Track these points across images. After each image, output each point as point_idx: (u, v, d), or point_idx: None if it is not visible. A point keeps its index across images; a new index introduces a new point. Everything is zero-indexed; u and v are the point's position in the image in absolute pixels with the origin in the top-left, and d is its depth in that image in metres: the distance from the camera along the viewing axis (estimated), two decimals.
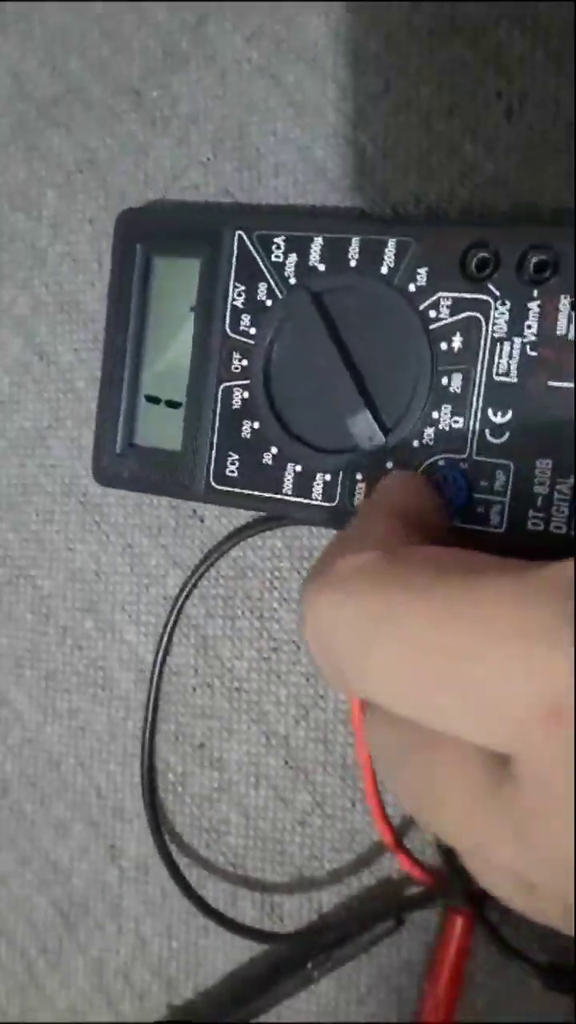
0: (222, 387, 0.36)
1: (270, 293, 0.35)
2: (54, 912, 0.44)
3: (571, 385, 0.31)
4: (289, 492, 0.35)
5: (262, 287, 0.35)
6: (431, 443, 0.33)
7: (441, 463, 0.33)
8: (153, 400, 0.38)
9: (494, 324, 0.32)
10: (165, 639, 0.40)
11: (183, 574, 0.40)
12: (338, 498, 0.34)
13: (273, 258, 0.35)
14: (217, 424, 0.36)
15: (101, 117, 0.42)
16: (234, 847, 0.40)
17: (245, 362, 0.35)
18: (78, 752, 0.44)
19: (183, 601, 0.39)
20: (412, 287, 0.33)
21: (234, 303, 0.35)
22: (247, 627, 0.40)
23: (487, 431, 0.32)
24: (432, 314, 0.33)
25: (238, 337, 0.35)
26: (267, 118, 0.38)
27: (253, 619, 0.39)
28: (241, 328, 0.35)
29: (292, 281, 0.35)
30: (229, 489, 0.36)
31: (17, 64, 0.44)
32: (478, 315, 0.32)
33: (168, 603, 0.41)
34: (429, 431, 0.33)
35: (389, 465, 0.33)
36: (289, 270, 0.35)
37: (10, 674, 0.45)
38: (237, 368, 0.35)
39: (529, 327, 0.32)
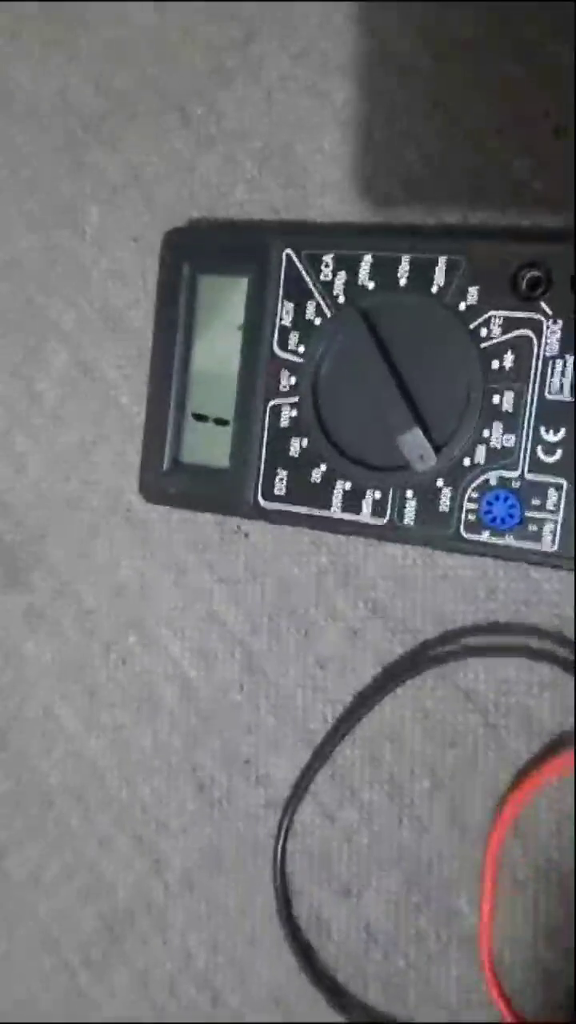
0: (270, 405, 0.36)
1: (319, 311, 0.35)
2: (99, 924, 0.44)
3: None
4: (338, 509, 0.35)
5: (311, 305, 0.35)
6: (482, 461, 0.33)
7: (492, 481, 0.32)
8: (200, 418, 0.38)
9: (546, 343, 0.32)
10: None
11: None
12: (388, 515, 0.34)
13: (322, 277, 0.35)
14: (265, 441, 0.36)
15: (147, 134, 0.42)
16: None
17: (294, 380, 0.35)
18: (123, 766, 0.44)
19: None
20: (463, 306, 0.33)
21: (282, 322, 0.36)
22: (293, 644, 0.39)
23: (539, 449, 0.32)
24: (483, 332, 0.33)
25: (286, 355, 0.36)
26: (314, 136, 0.38)
27: (299, 636, 0.39)
28: (290, 346, 0.35)
29: (341, 300, 0.35)
30: (277, 506, 0.36)
31: (64, 81, 0.44)
32: (530, 333, 0.32)
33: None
34: (480, 449, 0.33)
35: (439, 483, 0.33)
36: (338, 288, 0.35)
37: (55, 688, 0.45)
38: (285, 386, 0.36)
39: None
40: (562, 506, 0.32)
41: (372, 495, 0.35)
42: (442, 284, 0.33)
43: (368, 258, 0.34)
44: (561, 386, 0.32)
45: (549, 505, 0.32)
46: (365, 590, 0.38)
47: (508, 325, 0.33)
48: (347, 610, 0.39)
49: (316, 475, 0.35)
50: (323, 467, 0.35)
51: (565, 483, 0.32)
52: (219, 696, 0.41)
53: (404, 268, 0.34)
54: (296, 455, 0.36)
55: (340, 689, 0.39)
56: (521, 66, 0.35)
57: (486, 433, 0.33)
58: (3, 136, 0.45)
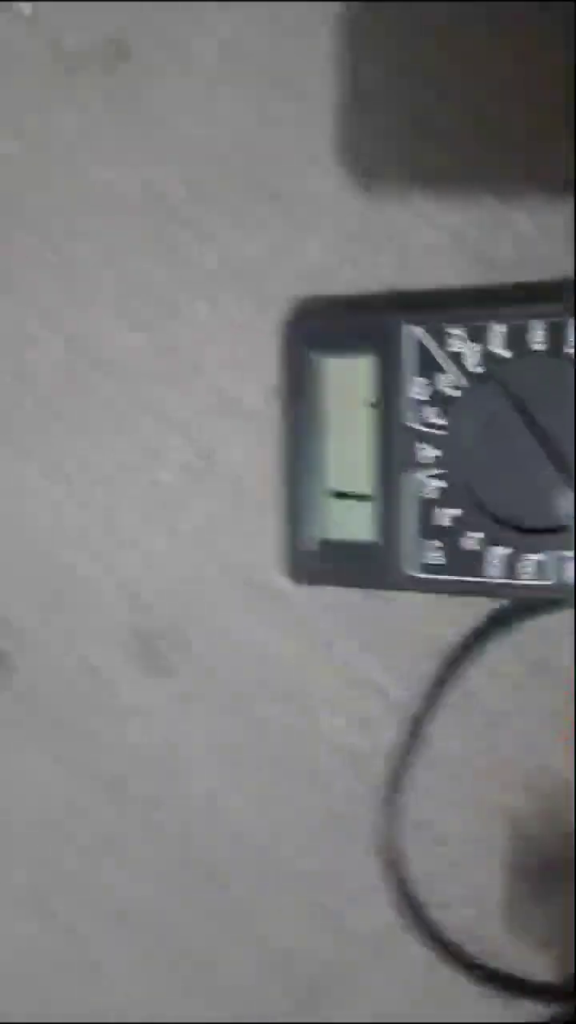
0: (413, 477, 0.37)
1: (451, 382, 0.36)
2: (290, 1000, 0.45)
3: None
4: (497, 575, 0.35)
5: (442, 377, 0.36)
6: None
7: None
8: (342, 495, 0.39)
9: None
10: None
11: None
12: (549, 577, 0.34)
13: (450, 348, 0.35)
14: (414, 513, 0.37)
15: (242, 222, 0.43)
16: (468, 919, 0.41)
17: (435, 451, 0.36)
18: (296, 838, 0.44)
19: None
20: None
21: (415, 396, 0.36)
22: (454, 704, 0.40)
23: None
24: None
25: (423, 428, 0.36)
26: (413, 205, 0.39)
27: (458, 696, 0.40)
28: (426, 419, 0.36)
29: (473, 369, 0.35)
30: (434, 577, 0.37)
31: (151, 176, 0.45)
32: None
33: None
34: None
35: None
36: (469, 358, 0.35)
37: (216, 770, 0.46)
38: (426, 458, 0.36)
39: None
40: None
41: (530, 558, 0.35)
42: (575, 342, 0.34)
43: (495, 325, 0.35)
44: None
45: None
46: (519, 646, 0.38)
47: None
48: (504, 666, 0.38)
49: (470, 543, 0.36)
50: (478, 535, 0.36)
51: None
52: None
53: (534, 332, 0.34)
54: (447, 524, 0.36)
55: (511, 746, 0.39)
56: None
57: None
58: (96, 237, 0.46)
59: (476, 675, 0.40)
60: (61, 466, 0.47)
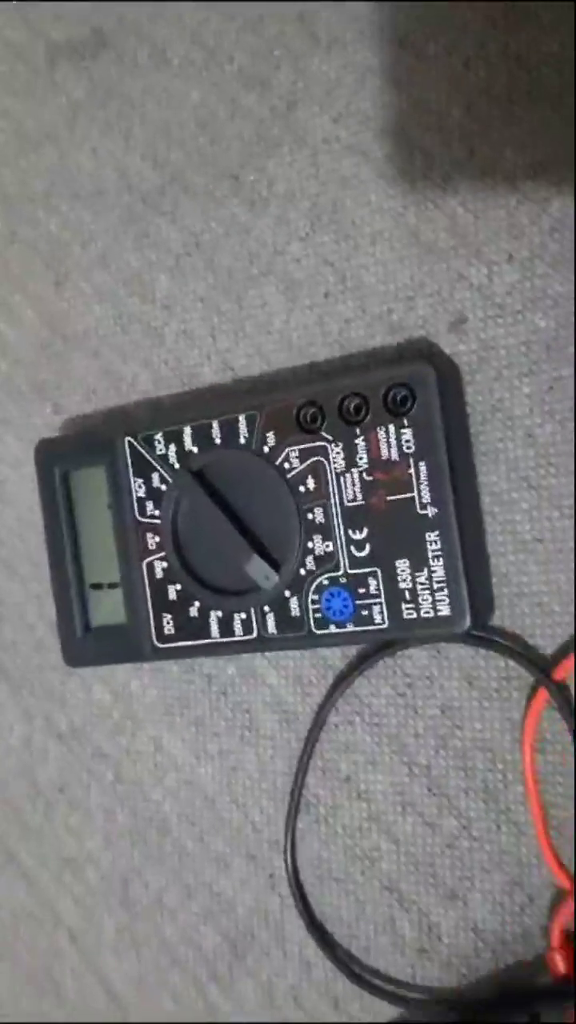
0: (145, 563, 0.44)
1: (162, 479, 0.43)
2: (222, 940, 0.47)
3: (406, 496, 0.38)
4: (217, 635, 0.42)
5: (155, 476, 0.43)
6: (313, 568, 0.40)
7: (325, 582, 0.39)
8: (97, 586, 0.46)
9: (334, 462, 0.39)
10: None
11: None
12: (256, 631, 0.41)
13: (158, 451, 0.43)
14: (149, 594, 0.44)
15: (203, 203, 0.46)
16: (387, 872, 0.42)
17: (157, 538, 0.43)
18: (232, 790, 0.47)
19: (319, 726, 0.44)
20: (266, 448, 0.40)
21: (137, 494, 0.43)
22: (381, 665, 0.42)
23: (352, 548, 0.39)
24: (286, 466, 0.40)
25: (146, 520, 0.43)
26: (360, 191, 0.42)
27: (386, 658, 0.42)
28: (147, 512, 0.43)
29: (176, 466, 0.42)
30: (172, 645, 0.43)
31: (121, 159, 0.48)
32: (321, 458, 0.39)
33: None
34: (309, 559, 0.40)
35: (286, 594, 0.40)
36: (172, 458, 0.42)
37: (162, 722, 0.49)
38: (152, 545, 0.43)
39: (361, 458, 0.38)
40: (383, 589, 0.38)
41: (239, 617, 0.41)
42: (247, 435, 0.40)
43: (188, 428, 0.42)
44: (355, 494, 0.39)
45: (372, 591, 0.38)
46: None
47: (303, 455, 0.39)
48: None
49: (193, 611, 0.42)
50: (197, 603, 0.42)
51: (379, 570, 0.38)
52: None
53: (216, 429, 0.41)
54: (175, 598, 0.43)
55: (430, 706, 0.42)
56: (554, 112, 0.37)
57: (310, 544, 0.40)
58: (72, 217, 0.50)
59: None
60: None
